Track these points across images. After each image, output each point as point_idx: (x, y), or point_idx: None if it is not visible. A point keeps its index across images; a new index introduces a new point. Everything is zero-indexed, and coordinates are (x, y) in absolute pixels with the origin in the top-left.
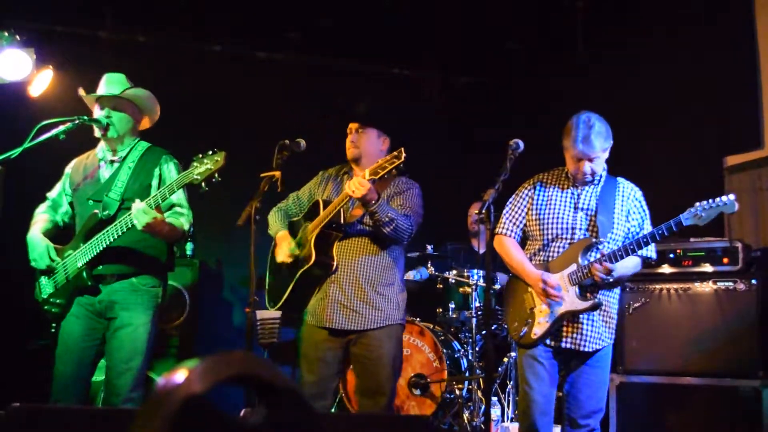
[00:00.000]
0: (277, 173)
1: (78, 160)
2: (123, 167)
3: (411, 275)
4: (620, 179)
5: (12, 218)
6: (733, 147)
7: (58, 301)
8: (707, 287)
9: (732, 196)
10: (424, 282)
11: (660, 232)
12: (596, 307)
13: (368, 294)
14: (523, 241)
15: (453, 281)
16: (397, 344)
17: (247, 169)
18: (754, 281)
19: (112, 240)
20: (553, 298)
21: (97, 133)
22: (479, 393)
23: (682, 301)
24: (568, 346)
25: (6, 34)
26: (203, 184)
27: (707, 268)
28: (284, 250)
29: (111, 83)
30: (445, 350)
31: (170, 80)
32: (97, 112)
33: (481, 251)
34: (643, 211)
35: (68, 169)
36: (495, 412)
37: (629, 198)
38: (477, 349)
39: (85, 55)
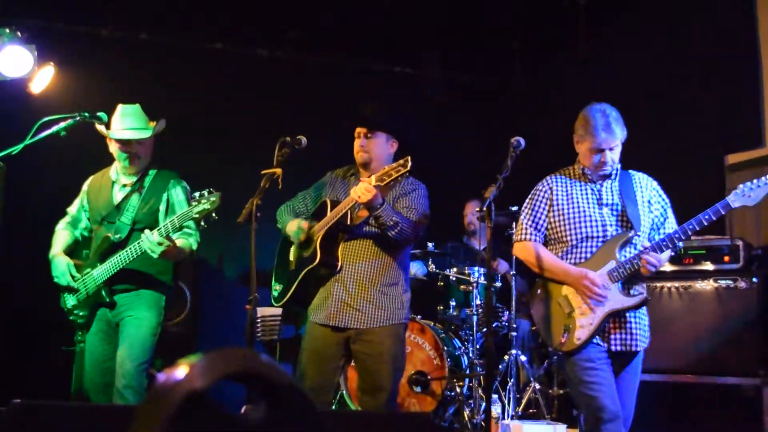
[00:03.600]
0: (278, 170)
1: (94, 179)
2: (135, 192)
3: (411, 272)
4: (632, 171)
5: (13, 214)
6: (735, 145)
7: (81, 313)
8: (708, 285)
9: None
10: (425, 279)
11: (707, 217)
12: (645, 302)
13: (372, 294)
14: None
15: (454, 279)
16: (400, 343)
17: (248, 166)
18: (755, 279)
19: (125, 264)
20: (597, 299)
21: (120, 161)
22: (480, 390)
23: (683, 300)
24: (618, 348)
25: (7, 31)
26: (201, 222)
27: (708, 266)
28: (294, 227)
29: (131, 117)
30: (445, 348)
31: (171, 78)
32: (120, 146)
33: (482, 248)
34: (663, 199)
35: (85, 187)
36: (495, 410)
37: (647, 188)
38: (478, 346)
39: (86, 52)
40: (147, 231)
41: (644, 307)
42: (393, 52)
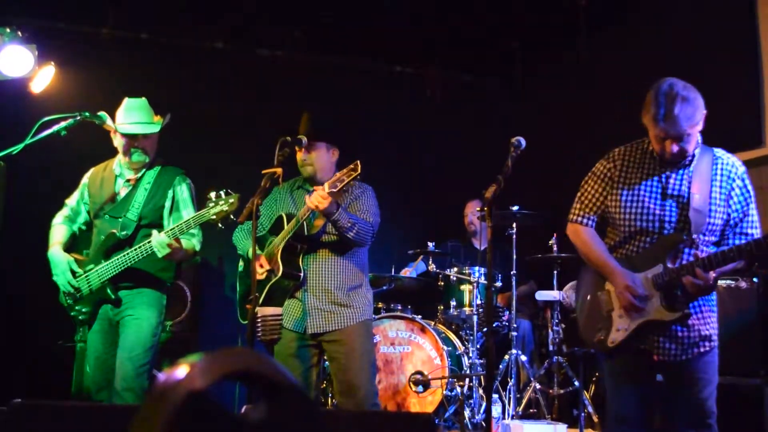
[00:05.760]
0: (279, 170)
1: (95, 171)
2: (139, 188)
3: (408, 271)
4: (719, 151)
5: (14, 214)
6: (735, 145)
7: (84, 309)
8: None
9: None
10: (425, 279)
11: None
12: (686, 318)
13: (339, 297)
14: (600, 227)
15: (454, 279)
16: (370, 339)
17: (249, 165)
18: (755, 279)
19: (132, 263)
20: (633, 310)
21: (125, 155)
22: (480, 390)
23: None
24: (661, 357)
25: (8, 30)
26: (219, 224)
27: None
28: (257, 267)
29: (138, 111)
30: (446, 347)
31: (171, 78)
32: (126, 140)
33: (483, 248)
34: (747, 192)
35: (85, 179)
36: (496, 410)
37: (729, 176)
38: (478, 346)
39: (87, 51)
40: (155, 231)
41: (712, 305)
42: (393, 52)
